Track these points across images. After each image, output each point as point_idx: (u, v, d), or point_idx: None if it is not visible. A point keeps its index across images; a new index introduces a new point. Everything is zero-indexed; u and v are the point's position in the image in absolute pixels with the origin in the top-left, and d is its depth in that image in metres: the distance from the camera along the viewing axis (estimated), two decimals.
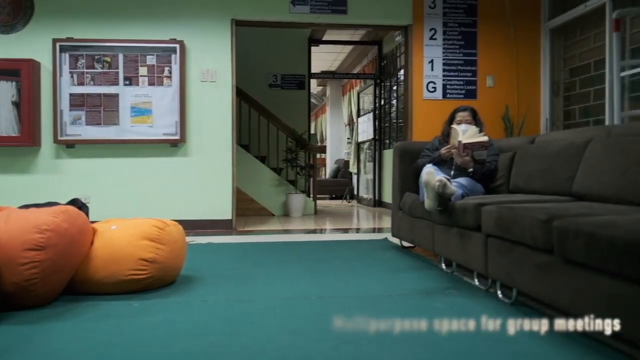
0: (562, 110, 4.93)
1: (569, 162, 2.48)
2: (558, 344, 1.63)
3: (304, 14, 4.94)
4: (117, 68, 4.68)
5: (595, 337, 1.69)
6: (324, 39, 7.97)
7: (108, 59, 4.68)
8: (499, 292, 2.22)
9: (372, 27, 5.41)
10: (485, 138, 2.92)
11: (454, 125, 3.04)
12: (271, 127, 6.53)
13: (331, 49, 9.03)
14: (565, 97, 4.93)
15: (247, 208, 6.06)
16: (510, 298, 2.12)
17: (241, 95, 6.31)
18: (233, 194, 4.84)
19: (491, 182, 3.09)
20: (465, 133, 2.92)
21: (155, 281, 2.30)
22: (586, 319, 1.56)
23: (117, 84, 4.68)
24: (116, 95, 4.68)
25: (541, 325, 1.84)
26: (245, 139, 6.55)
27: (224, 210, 4.82)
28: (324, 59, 9.71)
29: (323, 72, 10.25)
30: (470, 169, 2.98)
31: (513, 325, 1.82)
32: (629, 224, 1.50)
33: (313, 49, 7.98)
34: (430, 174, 2.60)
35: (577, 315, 1.67)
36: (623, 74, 3.94)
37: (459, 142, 2.85)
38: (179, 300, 2.18)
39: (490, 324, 1.85)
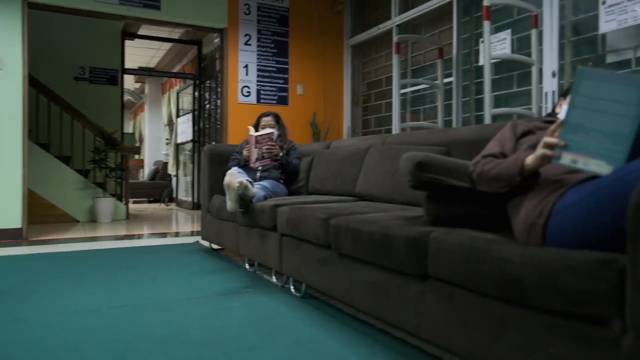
0: (361, 119, 5.51)
1: (354, 166, 2.80)
2: (334, 329, 1.83)
3: (112, 4, 4.63)
4: None
5: (365, 321, 1.94)
6: (139, 33, 7.55)
7: None
8: (291, 287, 2.39)
9: (187, 27, 5.30)
10: (271, 130, 3.16)
11: (250, 127, 3.21)
12: (77, 125, 5.94)
13: (149, 45, 8.60)
14: (364, 107, 5.52)
15: (45, 215, 5.42)
16: (300, 292, 2.30)
17: (38, 87, 5.62)
18: (24, 198, 4.28)
19: (295, 183, 3.31)
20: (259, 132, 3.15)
21: None
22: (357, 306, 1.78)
23: None
24: None
25: (320, 313, 2.04)
26: (44, 137, 5.85)
27: (11, 218, 4.23)
28: (141, 54, 9.19)
29: (140, 69, 9.70)
30: (279, 157, 3.16)
31: (297, 317, 1.99)
32: (386, 221, 1.76)
33: (128, 43, 7.51)
34: (232, 176, 2.68)
35: (350, 302, 1.90)
36: (403, 90, 4.59)
37: (250, 136, 3.07)
38: None
39: (279, 317, 1.99)
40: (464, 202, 1.64)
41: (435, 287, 1.44)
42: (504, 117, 3.36)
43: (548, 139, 1.25)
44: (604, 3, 2.84)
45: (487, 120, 3.04)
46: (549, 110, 2.82)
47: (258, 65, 5.25)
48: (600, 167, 1.16)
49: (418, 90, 4.57)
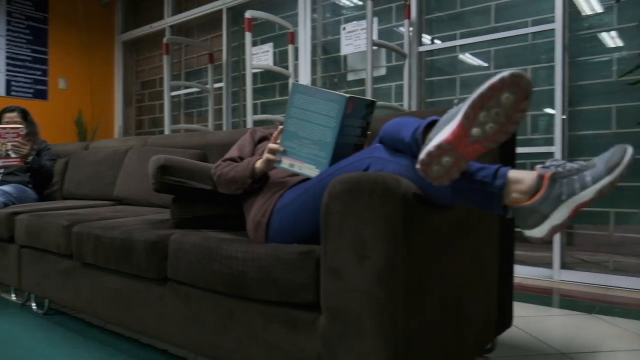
0: (135, 120, 5.24)
1: (113, 168, 2.65)
2: (76, 346, 1.70)
3: None
4: None
5: (114, 331, 1.86)
6: None
7: None
8: (33, 305, 2.15)
9: None
10: (19, 125, 2.78)
11: None
12: None
13: None
14: (137, 107, 5.25)
15: None
16: (43, 309, 2.08)
17: None
18: None
19: (47, 187, 2.96)
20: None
21: None
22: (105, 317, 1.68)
23: None
24: None
25: (64, 330, 1.88)
26: None
27: None
28: None
29: None
30: (29, 159, 2.77)
31: (34, 338, 1.80)
32: (130, 225, 1.71)
33: None
34: None
35: (94, 313, 1.79)
36: (176, 92, 4.54)
37: None
38: None
39: (10, 342, 1.77)
40: (209, 203, 1.70)
41: (174, 290, 1.46)
42: (267, 122, 3.60)
43: (271, 145, 1.39)
44: (344, 29, 3.29)
45: (250, 125, 3.21)
46: None
47: (8, 52, 4.54)
48: (311, 170, 1.34)
49: (192, 93, 4.56)
